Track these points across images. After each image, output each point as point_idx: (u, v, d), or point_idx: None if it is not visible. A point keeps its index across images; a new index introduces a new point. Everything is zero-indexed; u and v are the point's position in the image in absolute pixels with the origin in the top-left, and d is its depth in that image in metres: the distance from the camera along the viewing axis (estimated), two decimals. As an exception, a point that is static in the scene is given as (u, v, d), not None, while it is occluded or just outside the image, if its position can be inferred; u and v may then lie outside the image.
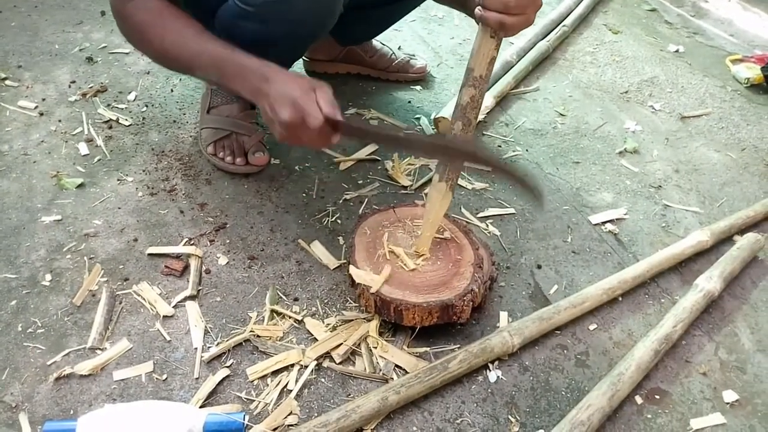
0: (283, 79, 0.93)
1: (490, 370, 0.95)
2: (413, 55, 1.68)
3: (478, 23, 0.93)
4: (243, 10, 1.02)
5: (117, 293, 1.02)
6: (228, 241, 1.14)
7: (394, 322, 0.97)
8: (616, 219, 1.27)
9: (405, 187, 1.29)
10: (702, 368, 0.99)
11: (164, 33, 1.00)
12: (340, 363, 0.94)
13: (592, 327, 1.04)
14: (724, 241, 1.22)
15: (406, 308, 0.94)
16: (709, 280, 1.07)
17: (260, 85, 0.94)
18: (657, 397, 0.94)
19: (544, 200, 0.88)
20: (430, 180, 1.31)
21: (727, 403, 0.94)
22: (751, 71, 1.78)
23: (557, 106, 1.63)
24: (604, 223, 1.26)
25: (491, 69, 0.93)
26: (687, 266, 1.17)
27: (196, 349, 0.95)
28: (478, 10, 0.88)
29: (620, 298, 1.09)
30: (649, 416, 0.91)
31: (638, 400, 0.93)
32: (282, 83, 0.92)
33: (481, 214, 1.24)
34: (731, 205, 1.34)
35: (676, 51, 1.97)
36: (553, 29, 1.95)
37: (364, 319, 1.00)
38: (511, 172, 0.87)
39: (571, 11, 2.06)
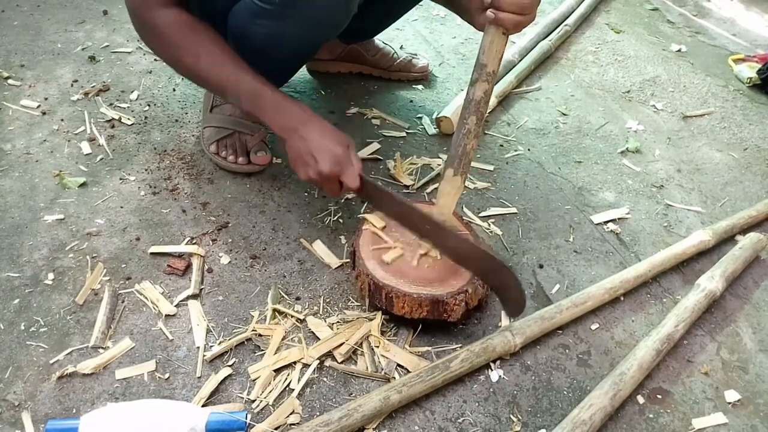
0: (320, 128, 1.01)
1: (491, 370, 0.95)
2: (415, 54, 1.68)
3: (473, 24, 0.95)
4: (260, 8, 1.03)
5: (119, 292, 1.02)
6: (230, 240, 1.14)
7: (385, 309, 0.98)
8: (618, 218, 1.27)
9: (407, 187, 1.30)
10: (704, 368, 0.99)
11: (200, 53, 1.02)
12: (342, 362, 0.94)
13: (594, 326, 1.04)
14: (726, 240, 1.22)
15: (397, 296, 0.95)
16: (711, 280, 1.07)
17: (296, 125, 1.00)
18: (659, 396, 0.94)
19: (522, 308, 0.96)
20: (431, 180, 1.31)
21: (729, 403, 0.94)
22: (754, 71, 1.78)
23: (559, 105, 1.63)
24: (606, 222, 1.26)
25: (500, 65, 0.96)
26: (689, 266, 1.17)
27: (198, 348, 0.95)
28: (490, 12, 0.91)
29: (622, 298, 1.09)
30: (651, 416, 0.91)
31: (640, 399, 0.93)
32: (321, 133, 1.00)
33: (483, 214, 1.24)
34: (733, 204, 1.34)
35: (679, 50, 1.97)
36: (555, 28, 1.95)
37: (366, 318, 1.00)
38: (503, 274, 0.93)
39: (573, 10, 2.06)
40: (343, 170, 0.99)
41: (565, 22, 1.97)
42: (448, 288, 0.96)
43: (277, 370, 0.93)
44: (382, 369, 0.94)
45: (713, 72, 1.85)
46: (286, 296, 1.05)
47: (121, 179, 1.25)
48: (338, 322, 1.00)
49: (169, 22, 1.01)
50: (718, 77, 1.82)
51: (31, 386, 0.88)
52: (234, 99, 1.05)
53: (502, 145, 1.46)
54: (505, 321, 1.03)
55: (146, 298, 1.02)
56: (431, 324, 0.97)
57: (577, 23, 2.02)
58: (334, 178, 0.99)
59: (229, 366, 0.92)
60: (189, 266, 1.08)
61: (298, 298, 1.04)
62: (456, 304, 0.95)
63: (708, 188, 1.39)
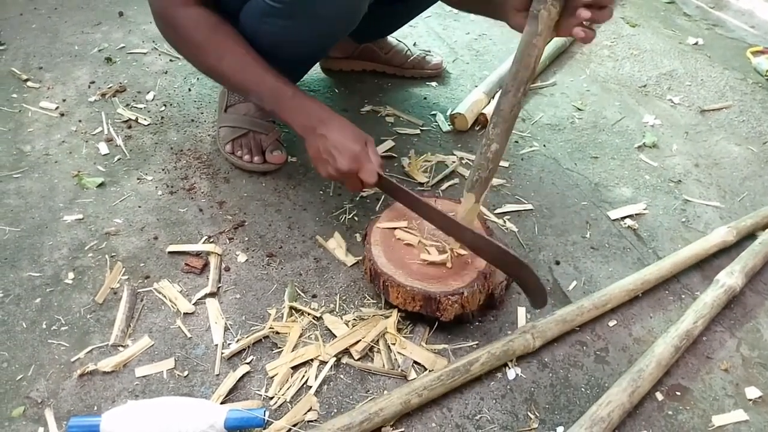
0: (339, 126, 1.03)
1: (509, 367, 0.95)
2: (429, 51, 1.68)
3: (508, 22, 0.98)
4: (271, 6, 1.03)
5: (138, 291, 1.04)
6: (247, 238, 1.15)
7: (383, 297, 1.00)
8: (636, 214, 1.26)
9: (422, 184, 1.29)
10: (724, 365, 0.98)
11: (223, 53, 1.05)
12: (358, 359, 0.95)
13: (611, 323, 1.03)
14: (746, 236, 1.20)
15: (392, 285, 0.96)
16: (731, 276, 1.06)
17: (316, 125, 1.03)
18: (678, 393, 0.93)
19: (545, 301, 0.95)
20: (445, 177, 1.31)
21: (750, 400, 0.93)
22: (773, 63, 1.75)
23: (575, 100, 1.62)
24: (623, 218, 1.25)
25: None
26: (708, 261, 1.15)
27: (216, 345, 0.96)
28: (580, 30, 0.87)
29: (640, 294, 1.08)
30: (670, 413, 0.91)
31: (659, 396, 0.93)
32: (340, 131, 1.02)
33: (498, 210, 1.24)
34: (752, 199, 1.32)
35: (695, 43, 1.94)
36: (570, 23, 1.93)
37: (382, 315, 1.00)
38: (520, 269, 0.93)
39: (588, 5, 2.04)
40: (361, 167, 1.01)
41: (579, 17, 1.96)
42: (445, 287, 0.96)
43: (295, 368, 0.93)
44: (399, 366, 0.94)
45: (731, 65, 1.82)
46: (302, 294, 1.05)
47: (138, 179, 1.26)
48: (354, 319, 1.00)
49: (193, 21, 1.03)
50: (736, 70, 1.79)
51: (53, 384, 0.89)
52: (256, 99, 1.08)
53: (517, 142, 1.45)
54: (522, 320, 1.03)
55: (165, 296, 1.03)
56: (448, 321, 0.97)
57: (591, 17, 2.00)
58: (352, 175, 1.02)
59: (247, 363, 0.93)
60: (206, 265, 1.09)
61: (314, 296, 1.05)
62: (449, 304, 0.94)
63: (726, 183, 1.37)
